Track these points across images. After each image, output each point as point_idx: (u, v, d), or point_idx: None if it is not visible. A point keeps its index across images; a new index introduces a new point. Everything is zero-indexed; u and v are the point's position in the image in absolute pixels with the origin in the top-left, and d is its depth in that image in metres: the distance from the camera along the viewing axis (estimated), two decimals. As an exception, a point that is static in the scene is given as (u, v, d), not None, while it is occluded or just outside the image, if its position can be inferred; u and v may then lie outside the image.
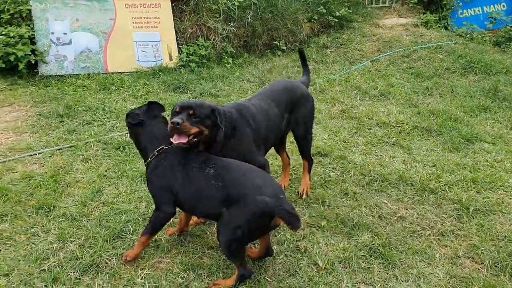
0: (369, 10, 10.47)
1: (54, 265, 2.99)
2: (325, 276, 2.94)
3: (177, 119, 2.81)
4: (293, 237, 3.30)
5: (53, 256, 3.05)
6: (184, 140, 2.84)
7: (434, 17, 9.91)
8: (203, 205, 2.79)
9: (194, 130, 2.88)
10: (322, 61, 8.19)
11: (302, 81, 4.04)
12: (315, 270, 2.99)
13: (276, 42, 8.53)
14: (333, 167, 4.44)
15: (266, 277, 2.90)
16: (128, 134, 3.12)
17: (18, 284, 2.80)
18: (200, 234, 3.31)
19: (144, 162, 3.06)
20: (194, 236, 3.29)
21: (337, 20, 9.33)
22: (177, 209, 2.99)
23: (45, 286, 2.79)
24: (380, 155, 4.74)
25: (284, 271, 2.96)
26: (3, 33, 6.73)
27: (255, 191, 2.63)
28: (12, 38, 6.67)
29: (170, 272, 2.93)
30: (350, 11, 9.61)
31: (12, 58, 6.59)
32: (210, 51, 7.82)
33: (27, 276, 2.89)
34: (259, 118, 3.34)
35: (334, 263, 3.04)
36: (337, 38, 9.05)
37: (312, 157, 4.00)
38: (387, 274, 3.00)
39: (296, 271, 2.97)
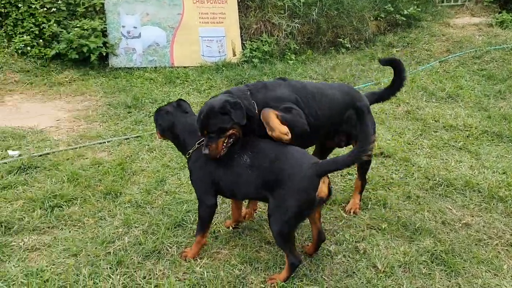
0: (439, 9, 10.08)
1: (119, 248, 3.12)
2: (384, 279, 2.87)
3: (205, 151, 2.81)
4: (352, 238, 3.25)
5: (118, 240, 3.19)
6: (221, 153, 2.84)
7: (511, 16, 9.38)
8: (243, 191, 2.87)
9: (221, 145, 2.83)
10: (387, 60, 7.97)
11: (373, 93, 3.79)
12: (374, 272, 2.93)
13: (341, 40, 8.42)
14: (396, 169, 4.32)
15: (323, 276, 2.87)
16: (160, 130, 3.17)
17: (85, 265, 2.94)
18: (258, 228, 3.33)
19: (184, 155, 3.12)
20: (252, 230, 3.32)
21: (404, 19, 9.06)
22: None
23: (110, 268, 2.92)
24: (446, 159, 4.55)
25: (342, 272, 2.92)
26: (77, 25, 7.10)
27: (294, 169, 2.66)
28: (85, 31, 7.03)
29: (228, 263, 2.97)
30: (419, 9, 9.30)
31: (85, 49, 6.94)
32: (274, 47, 7.84)
33: (93, 257, 3.04)
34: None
35: (394, 267, 2.96)
36: (404, 37, 8.79)
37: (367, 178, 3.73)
38: (449, 282, 2.88)
39: (354, 272, 2.92)
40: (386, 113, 5.68)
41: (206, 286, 2.76)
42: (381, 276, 2.89)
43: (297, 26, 8.05)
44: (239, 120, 2.79)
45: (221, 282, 2.79)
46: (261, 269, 2.92)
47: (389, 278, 2.88)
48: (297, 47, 8.02)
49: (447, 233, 3.37)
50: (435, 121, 5.53)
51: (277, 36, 7.98)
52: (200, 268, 2.93)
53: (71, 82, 6.70)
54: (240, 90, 3.02)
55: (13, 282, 2.78)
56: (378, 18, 9.07)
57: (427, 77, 7.16)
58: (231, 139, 2.87)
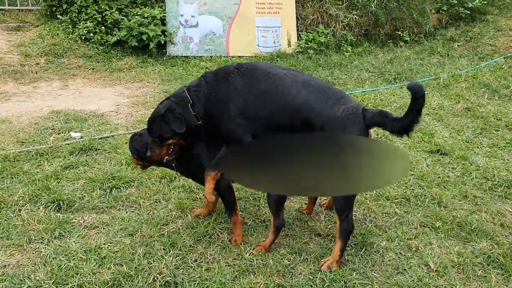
0: (507, 2, 9.58)
1: (172, 231, 3.21)
2: (436, 278, 2.80)
3: (148, 153, 3.04)
4: (404, 235, 3.19)
5: (172, 222, 3.29)
6: (166, 159, 3.06)
7: None
8: None
9: (165, 150, 3.04)
10: (448, 54, 7.70)
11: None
12: (426, 271, 2.87)
13: (399, 33, 8.20)
14: (452, 167, 4.18)
15: (373, 272, 2.84)
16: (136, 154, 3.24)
17: (140, 245, 3.06)
18: (308, 220, 3.34)
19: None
20: (302, 221, 3.32)
21: (468, 12, 8.69)
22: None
23: (163, 249, 3.02)
24: (507, 159, 4.36)
25: (393, 268, 2.88)
26: (138, 13, 7.30)
27: None
28: (145, 19, 7.22)
29: (277, 252, 3.00)
30: (485, 2, 8.89)
31: (144, 37, 7.14)
32: (330, 38, 7.75)
33: (148, 238, 3.15)
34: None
35: (447, 267, 2.89)
36: (467, 32, 8.44)
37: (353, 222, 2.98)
38: (507, 286, 2.78)
39: (405, 270, 2.87)
40: (444, 110, 5.49)
41: (255, 273, 2.81)
42: (433, 275, 2.83)
43: (355, 18, 7.91)
44: (177, 128, 2.90)
45: (270, 270, 2.82)
46: (310, 260, 2.92)
47: (441, 278, 2.81)
48: (354, 39, 7.90)
49: (505, 236, 3.24)
50: (497, 119, 5.30)
51: (334, 27, 7.88)
52: (249, 255, 2.97)
53: (131, 68, 6.91)
54: (180, 96, 2.96)
55: (73, 257, 2.93)
56: (440, 11, 8.75)
57: (490, 73, 6.85)
58: (175, 147, 3.05)
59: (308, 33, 7.77)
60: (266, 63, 3.10)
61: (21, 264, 2.91)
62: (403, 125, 2.68)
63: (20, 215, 3.39)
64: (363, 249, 3.04)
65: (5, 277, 2.79)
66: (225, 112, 2.88)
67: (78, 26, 7.32)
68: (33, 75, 6.33)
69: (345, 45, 7.77)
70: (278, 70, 2.92)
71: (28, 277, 2.77)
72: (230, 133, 2.92)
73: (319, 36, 7.68)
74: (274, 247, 3.05)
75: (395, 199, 3.63)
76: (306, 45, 7.58)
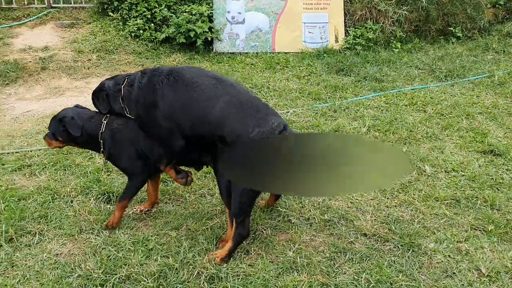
0: None
1: (217, 225, 3.25)
2: (487, 283, 2.69)
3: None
4: (454, 238, 3.08)
5: (216, 217, 3.32)
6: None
7: None
8: None
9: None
10: (504, 51, 7.36)
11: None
12: (476, 275, 2.76)
13: (452, 29, 7.91)
14: (507, 168, 4.00)
15: (420, 274, 2.77)
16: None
17: (186, 238, 3.11)
18: (354, 219, 3.28)
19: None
20: (348, 220, 3.27)
21: (527, 6, 8.27)
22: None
23: (208, 243, 3.05)
24: None
25: (441, 271, 2.79)
26: (186, 10, 7.40)
27: None
28: (193, 16, 7.31)
29: (321, 252, 2.97)
30: (545, -5, 8.43)
31: (192, 34, 7.23)
32: (378, 34, 7.59)
33: (193, 231, 3.20)
34: None
35: (500, 272, 2.77)
36: (525, 26, 8.05)
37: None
38: None
39: (454, 273, 2.77)
40: (499, 108, 5.26)
41: (298, 271, 2.79)
42: (484, 280, 2.72)
43: (405, 13, 7.70)
44: (102, 110, 3.19)
45: (314, 268, 2.80)
46: (355, 260, 2.88)
47: (493, 284, 2.70)
48: (403, 35, 7.69)
49: None
50: (557, 119, 5.03)
51: (383, 23, 7.71)
52: (293, 252, 2.96)
53: (178, 65, 7.02)
54: (116, 86, 3.15)
55: (122, 248, 3.02)
56: (496, 6, 8.37)
57: (550, 71, 6.50)
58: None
59: (356, 29, 7.64)
60: (197, 71, 3.11)
61: (72, 253, 3.02)
62: None
63: (72, 206, 3.52)
64: (410, 250, 2.96)
65: (57, 265, 2.90)
66: (153, 118, 3.00)
67: (128, 23, 7.50)
68: (86, 70, 6.55)
69: (394, 42, 7.58)
70: (203, 80, 2.94)
71: (79, 266, 2.87)
72: (161, 137, 3.07)
73: (368, 32, 7.53)
74: (318, 246, 3.03)
75: (445, 200, 3.51)
76: (354, 41, 7.45)
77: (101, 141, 3.18)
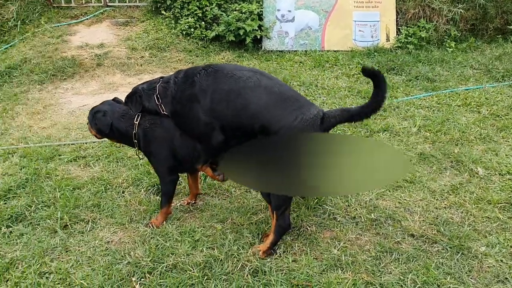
0: None
1: (261, 220, 3.28)
2: (542, 292, 2.58)
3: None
4: (507, 242, 2.97)
5: (261, 212, 3.35)
6: None
7: None
8: None
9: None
10: None
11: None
12: (531, 282, 2.65)
13: (511, 27, 7.57)
14: None
15: (470, 278, 2.68)
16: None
17: (231, 231, 3.16)
18: (401, 219, 3.22)
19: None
20: (395, 220, 3.22)
21: None
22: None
23: (252, 237, 3.09)
24: None
25: (492, 276, 2.69)
26: (236, 9, 7.48)
27: None
28: (243, 14, 7.38)
29: (366, 250, 2.93)
30: None
31: (241, 32, 7.29)
32: (431, 33, 7.38)
33: (238, 225, 3.24)
34: None
35: (556, 281, 2.65)
36: None
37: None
38: None
39: (506, 278, 2.67)
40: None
41: (343, 269, 2.78)
42: (539, 288, 2.60)
43: (460, 12, 7.44)
44: (135, 110, 3.23)
45: (359, 267, 2.78)
46: (401, 261, 2.83)
47: (549, 292, 2.58)
48: (458, 34, 7.43)
49: None
50: None
51: (437, 21, 7.48)
52: (337, 250, 2.94)
53: (228, 63, 7.11)
54: (151, 85, 3.19)
55: (169, 238, 3.11)
56: (560, 3, 7.94)
57: None
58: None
59: (408, 28, 7.45)
60: (234, 65, 3.18)
61: (122, 241, 3.14)
62: (368, 113, 2.78)
63: (124, 196, 3.65)
64: (460, 253, 2.88)
65: (108, 252, 3.02)
66: (191, 113, 3.00)
67: (180, 22, 7.66)
68: (138, 67, 6.75)
69: (448, 41, 7.34)
70: (243, 73, 2.96)
71: (128, 254, 2.98)
72: (200, 133, 3.05)
73: (420, 31, 7.33)
74: (364, 244, 3.00)
75: (498, 203, 3.38)
76: (405, 40, 7.28)
77: (135, 140, 3.27)
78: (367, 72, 2.79)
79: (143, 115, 3.28)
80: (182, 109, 3.07)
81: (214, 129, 2.99)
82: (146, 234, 3.16)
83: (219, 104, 2.94)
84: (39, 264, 2.92)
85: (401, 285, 2.63)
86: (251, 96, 2.87)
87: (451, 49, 7.15)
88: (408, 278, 2.67)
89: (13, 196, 3.72)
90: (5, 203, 3.63)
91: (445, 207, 3.36)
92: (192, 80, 3.03)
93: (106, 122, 3.26)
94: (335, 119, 2.85)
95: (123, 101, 3.41)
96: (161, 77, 3.25)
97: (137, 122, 3.25)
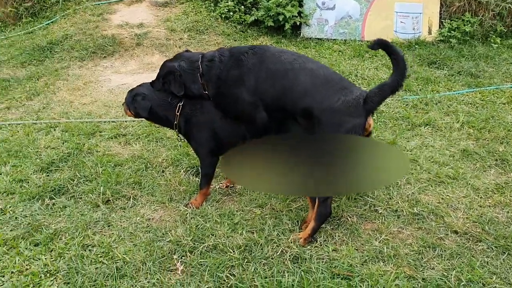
0: None
1: (300, 208, 3.26)
2: None
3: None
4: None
5: (300, 200, 3.33)
6: None
7: None
8: None
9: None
10: None
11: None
12: None
13: (560, 25, 7.30)
14: None
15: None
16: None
17: (270, 217, 3.15)
18: (444, 215, 3.15)
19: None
20: (438, 216, 3.15)
21: None
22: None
23: (291, 223, 3.08)
24: None
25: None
26: (277, -6, 7.40)
27: None
28: (283, 0, 7.29)
29: (408, 244, 2.89)
30: None
31: (281, 18, 7.23)
32: (476, 28, 7.15)
33: (276, 211, 3.24)
34: None
35: None
36: None
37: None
38: None
39: (555, 283, 2.60)
40: None
41: (384, 261, 2.74)
42: None
43: (508, 6, 7.20)
44: (177, 92, 3.14)
45: (401, 260, 2.74)
46: (444, 257, 2.77)
47: None
48: (504, 30, 7.19)
49: None
50: None
51: (482, 16, 7.26)
52: (379, 242, 2.91)
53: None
54: (193, 64, 3.12)
55: (209, 219, 3.12)
56: None
57: None
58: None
59: (452, 21, 7.25)
60: (279, 48, 3.19)
61: (163, 220, 3.17)
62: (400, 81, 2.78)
63: (164, 175, 3.69)
64: (506, 253, 2.80)
65: (149, 229, 3.06)
66: (237, 93, 3.00)
67: (220, 5, 7.62)
68: (177, 49, 6.76)
69: (493, 36, 7.11)
70: (288, 55, 3.00)
71: (169, 232, 3.01)
72: (243, 113, 3.05)
73: (464, 25, 7.12)
74: (406, 238, 2.95)
75: (546, 205, 3.29)
76: (448, 33, 7.08)
77: (176, 123, 3.27)
78: (375, 46, 2.91)
79: (184, 104, 3.27)
80: (227, 89, 3.06)
81: (258, 108, 2.99)
82: (187, 214, 3.19)
83: (264, 84, 2.96)
84: (82, 237, 2.98)
85: (445, 281, 2.58)
86: (296, 78, 2.89)
87: (496, 45, 6.92)
88: (452, 274, 2.62)
89: (55, 169, 3.80)
90: (48, 176, 3.71)
91: (489, 206, 3.28)
92: (239, 59, 3.02)
93: (146, 106, 3.28)
94: (378, 98, 2.83)
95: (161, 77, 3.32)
96: (200, 53, 3.21)
97: (180, 104, 3.26)
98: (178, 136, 3.45)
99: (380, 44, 2.88)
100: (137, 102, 3.27)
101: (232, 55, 3.08)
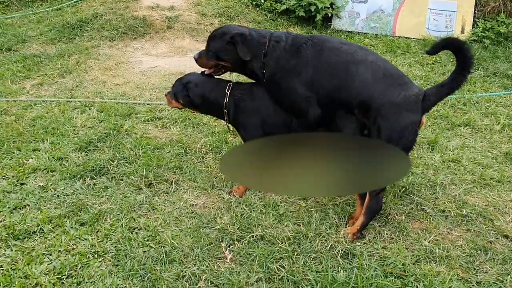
0: None
1: (346, 203, 3.22)
2: None
3: (194, 55, 3.22)
4: None
5: (348, 196, 3.29)
6: (209, 71, 3.24)
7: None
8: None
9: (211, 63, 3.16)
10: None
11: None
12: None
13: None
14: None
15: None
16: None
17: (315, 210, 3.11)
18: (494, 218, 3.10)
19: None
20: (487, 219, 3.09)
21: None
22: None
23: (338, 218, 3.04)
24: None
25: None
26: (310, -16, 7.29)
27: None
28: (316, -10, 7.18)
29: (459, 246, 2.84)
30: None
31: (312, 8, 7.13)
32: (511, 29, 7.04)
33: (321, 205, 3.20)
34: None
35: None
36: None
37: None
38: None
39: None
40: None
41: (436, 261, 2.70)
42: None
43: (545, 9, 7.08)
44: (243, 55, 2.97)
45: (454, 262, 2.69)
46: (497, 261, 2.72)
47: None
48: (539, 33, 7.08)
49: None
50: None
51: (517, 17, 7.14)
52: (428, 242, 2.86)
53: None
54: (261, 39, 3.00)
55: (254, 209, 3.08)
56: None
57: None
58: (223, 70, 3.22)
59: (486, 22, 7.14)
60: (337, 38, 3.11)
61: (206, 206, 3.14)
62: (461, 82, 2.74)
63: (204, 162, 3.64)
64: (560, 262, 2.75)
65: (194, 215, 3.03)
66: (290, 82, 2.94)
67: (251, -9, 7.54)
68: (208, 34, 6.65)
69: (528, 39, 7.02)
70: (349, 47, 2.93)
71: (215, 219, 2.97)
72: (295, 105, 2.99)
73: (499, 26, 7.01)
74: (455, 240, 2.90)
75: None
76: (482, 34, 6.98)
77: (225, 110, 3.22)
78: (438, 47, 2.89)
79: (234, 86, 3.23)
80: (282, 76, 2.99)
81: (311, 103, 2.94)
82: (231, 202, 3.15)
83: (323, 77, 2.90)
84: (128, 219, 2.95)
85: (500, 287, 2.54)
86: (358, 70, 2.83)
87: (531, 48, 6.82)
88: (507, 280, 2.57)
89: (93, 149, 3.76)
90: (87, 155, 3.68)
91: (537, 212, 3.22)
92: (299, 49, 2.95)
93: (199, 93, 3.23)
94: (435, 97, 2.82)
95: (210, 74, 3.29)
96: (270, 32, 3.09)
97: (228, 92, 3.22)
98: (228, 127, 3.40)
99: (445, 46, 2.83)
100: (190, 89, 3.22)
101: (294, 43, 2.99)
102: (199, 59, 3.20)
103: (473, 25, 7.25)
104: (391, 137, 2.75)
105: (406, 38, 7.15)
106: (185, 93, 3.27)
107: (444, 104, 4.83)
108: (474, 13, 7.30)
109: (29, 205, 3.06)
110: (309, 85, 2.92)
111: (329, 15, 7.31)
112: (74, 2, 7.52)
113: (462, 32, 7.22)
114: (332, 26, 7.39)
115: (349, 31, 7.33)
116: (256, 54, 3.01)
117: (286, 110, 3.12)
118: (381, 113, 2.74)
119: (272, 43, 3.00)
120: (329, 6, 7.22)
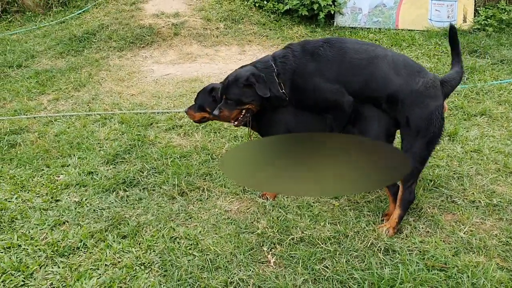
0: None
1: (378, 199, 3.27)
2: None
3: (215, 111, 3.12)
4: None
5: (377, 191, 3.34)
6: (235, 123, 3.17)
7: None
8: None
9: (235, 114, 3.12)
10: None
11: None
12: None
13: None
14: None
15: None
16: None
17: (349, 208, 3.17)
18: (523, 206, 3.17)
19: None
20: (517, 207, 3.17)
21: None
22: None
23: (372, 215, 3.09)
24: None
25: None
26: (312, -17, 7.34)
27: None
28: (318, -11, 7.24)
29: (494, 236, 2.90)
30: None
31: (315, 7, 7.19)
32: (512, 16, 7.12)
33: (354, 203, 3.25)
34: None
35: None
36: None
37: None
38: None
39: None
40: None
41: (474, 252, 2.76)
42: None
43: (545, -6, 7.15)
44: (263, 93, 2.98)
45: (491, 252, 2.75)
46: (533, 249, 2.79)
47: None
48: (541, 18, 7.15)
49: None
50: None
51: (518, 3, 7.22)
52: (464, 234, 2.92)
53: (301, 38, 7.03)
54: (266, 64, 3.08)
55: (289, 211, 3.14)
56: None
57: None
58: (248, 113, 3.15)
59: (487, 9, 7.22)
60: (353, 39, 3.30)
61: (241, 211, 3.19)
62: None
63: (231, 167, 3.68)
64: None
65: (231, 221, 3.08)
66: (314, 83, 2.99)
67: (252, -7, 7.59)
68: (214, 39, 6.74)
69: (529, 24, 7.09)
70: (368, 44, 3.05)
71: (252, 224, 3.02)
72: (327, 101, 3.02)
73: (501, 13, 7.09)
74: (489, 230, 2.96)
75: None
76: (485, 21, 7.05)
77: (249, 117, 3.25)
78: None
79: None
80: (306, 81, 3.05)
81: (343, 93, 2.99)
82: (265, 205, 3.20)
83: (348, 74, 2.97)
84: (167, 229, 3.00)
85: (540, 273, 2.61)
86: (381, 66, 2.93)
87: (534, 33, 6.89)
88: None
89: (121, 161, 3.81)
90: (115, 167, 3.73)
91: None
92: (316, 53, 3.02)
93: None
94: (454, 82, 2.98)
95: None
96: (269, 56, 3.17)
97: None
98: (250, 135, 3.46)
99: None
100: (217, 94, 3.27)
101: (306, 50, 3.06)
102: (221, 113, 3.13)
103: (474, 13, 7.32)
104: (420, 126, 2.84)
105: (409, 30, 7.21)
106: (211, 99, 3.33)
107: (458, 94, 4.90)
108: (475, 1, 7.37)
109: (68, 221, 3.11)
110: (335, 81, 2.98)
111: (332, 12, 7.36)
112: (77, 14, 7.54)
113: (465, 21, 7.29)
114: (335, 23, 7.44)
115: (352, 27, 7.39)
116: (271, 81, 3.07)
117: (321, 111, 3.16)
118: (406, 102, 2.84)
119: (279, 62, 3.08)
120: (331, 3, 7.28)
